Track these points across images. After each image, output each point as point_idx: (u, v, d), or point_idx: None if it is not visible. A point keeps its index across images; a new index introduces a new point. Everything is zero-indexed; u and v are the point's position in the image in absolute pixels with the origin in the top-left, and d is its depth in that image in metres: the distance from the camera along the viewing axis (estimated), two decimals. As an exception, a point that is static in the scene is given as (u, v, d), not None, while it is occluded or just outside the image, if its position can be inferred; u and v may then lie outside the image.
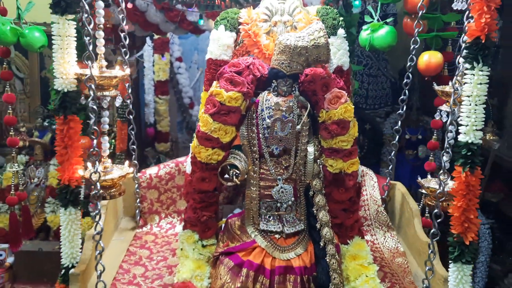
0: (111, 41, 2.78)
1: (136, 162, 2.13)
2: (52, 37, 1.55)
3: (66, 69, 1.57)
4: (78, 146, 1.66)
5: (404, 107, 2.10)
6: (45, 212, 3.34)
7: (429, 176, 1.99)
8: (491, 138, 3.19)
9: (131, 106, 2.05)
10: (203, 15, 2.31)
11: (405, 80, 2.06)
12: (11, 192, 2.35)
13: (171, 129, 4.21)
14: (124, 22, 1.89)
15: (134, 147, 2.11)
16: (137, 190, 2.20)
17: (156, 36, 3.84)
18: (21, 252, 3.02)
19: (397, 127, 2.15)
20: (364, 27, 1.98)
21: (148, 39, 3.83)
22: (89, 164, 1.65)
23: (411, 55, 1.97)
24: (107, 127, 1.69)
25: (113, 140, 3.25)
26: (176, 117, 4.30)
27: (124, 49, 1.93)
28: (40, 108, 3.71)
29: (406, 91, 2.08)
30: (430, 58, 1.90)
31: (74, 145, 1.66)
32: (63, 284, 1.73)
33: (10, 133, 2.26)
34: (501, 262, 3.09)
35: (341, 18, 1.82)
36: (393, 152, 2.22)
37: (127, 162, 1.78)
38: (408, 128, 3.52)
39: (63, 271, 1.73)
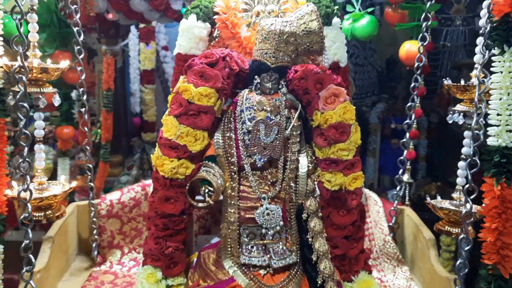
0: (95, 30, 2.76)
1: (92, 184, 1.81)
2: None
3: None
4: (3, 160, 1.32)
5: (413, 116, 1.91)
6: (31, 202, 3.20)
7: (439, 198, 1.77)
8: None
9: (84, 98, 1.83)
10: (186, 4, 2.31)
11: (412, 84, 1.90)
12: None
13: (158, 119, 4.25)
14: (78, 15, 1.63)
15: (90, 166, 1.80)
16: (94, 219, 1.89)
17: (141, 25, 3.90)
18: (7, 243, 2.92)
19: (405, 140, 1.94)
20: (346, 16, 2.00)
21: (133, 28, 3.89)
22: (14, 183, 1.33)
23: (419, 55, 1.83)
24: (42, 133, 1.41)
25: (98, 130, 3.19)
26: (163, 106, 4.33)
27: (78, 47, 1.66)
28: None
29: (415, 97, 1.94)
30: (410, 48, 1.96)
31: (2, 158, 1.32)
32: None
33: None
34: None
35: (336, 7, 1.58)
36: (404, 175, 1.99)
37: (62, 177, 1.46)
38: (394, 117, 3.62)
39: None
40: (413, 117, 1.90)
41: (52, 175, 3.23)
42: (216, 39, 1.62)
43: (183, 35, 1.57)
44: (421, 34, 1.77)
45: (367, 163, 3.59)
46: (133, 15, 2.32)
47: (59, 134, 2.49)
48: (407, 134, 1.93)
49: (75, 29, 1.66)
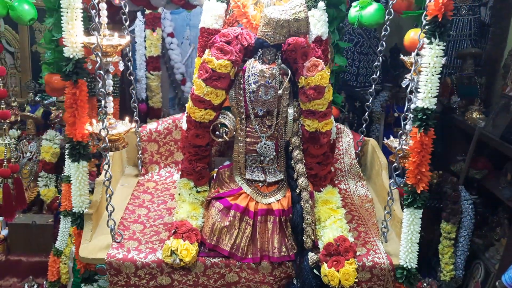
0: (100, 16, 2.58)
1: (137, 118, 2.35)
2: (61, 9, 1.70)
3: (74, 38, 1.76)
4: (86, 107, 1.86)
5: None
6: (38, 186, 3.33)
7: (391, 137, 2.15)
8: (478, 116, 3.22)
9: (131, 68, 2.17)
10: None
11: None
12: (4, 165, 2.39)
13: (163, 105, 4.12)
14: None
15: (135, 104, 2.32)
16: (139, 143, 2.35)
17: (147, 11, 3.74)
18: (15, 225, 3.12)
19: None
20: (353, 4, 2.02)
21: (139, 14, 3.74)
22: (94, 121, 1.87)
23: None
24: (111, 88, 1.88)
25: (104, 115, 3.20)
26: (168, 93, 4.18)
27: (125, 16, 2.08)
28: (32, 83, 3.63)
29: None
30: (415, 36, 1.88)
31: (84, 106, 1.87)
32: (77, 228, 1.94)
33: (1, 106, 2.28)
34: (483, 236, 3.14)
35: None
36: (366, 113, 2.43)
37: (127, 118, 1.99)
38: (397, 105, 3.57)
39: (75, 217, 1.92)
40: (378, 73, 2.26)
41: (59, 160, 3.27)
42: (230, 14, 2.01)
43: (206, 13, 1.96)
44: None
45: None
46: (140, 1, 2.30)
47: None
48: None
49: (92, 12, 1.98)
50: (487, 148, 3.12)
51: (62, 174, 2.20)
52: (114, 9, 2.38)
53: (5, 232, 3.17)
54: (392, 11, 1.93)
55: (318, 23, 1.98)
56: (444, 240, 3.03)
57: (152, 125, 2.46)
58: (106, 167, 1.85)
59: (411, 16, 1.94)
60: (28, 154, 3.30)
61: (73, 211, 1.97)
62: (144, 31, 3.90)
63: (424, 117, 1.78)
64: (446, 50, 3.15)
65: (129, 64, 2.20)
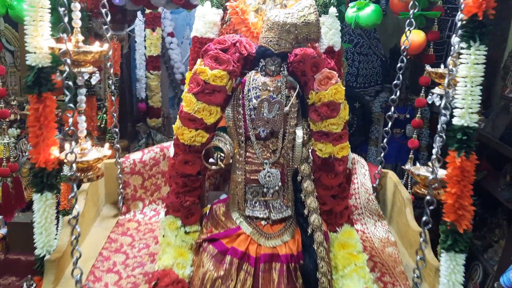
0: (101, 15, 2.70)
1: (118, 146, 2.06)
2: (24, 7, 1.47)
3: (39, 43, 1.48)
4: (53, 126, 1.58)
5: (398, 92, 2.07)
6: (37, 185, 3.32)
7: (418, 164, 1.97)
8: (477, 117, 3.21)
9: (111, 84, 1.98)
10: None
11: (398, 64, 2.01)
12: (3, 164, 2.41)
13: (163, 105, 4.19)
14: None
15: (116, 130, 2.04)
16: (120, 175, 2.13)
17: (147, 11, 3.83)
18: (14, 224, 3.07)
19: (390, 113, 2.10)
20: (351, 4, 2.02)
21: (139, 13, 3.80)
22: (66, 145, 1.58)
23: (405, 39, 1.91)
24: (83, 106, 1.62)
25: (104, 115, 3.19)
26: (168, 92, 4.28)
27: (106, 26, 1.85)
28: None
29: (400, 76, 2.04)
30: (411, 37, 1.95)
31: (50, 125, 1.58)
32: (38, 275, 1.67)
33: (1, 105, 2.28)
34: (482, 238, 3.15)
35: None
36: (385, 139, 2.16)
37: (107, 145, 1.71)
38: (397, 107, 3.45)
39: (36, 261, 1.66)
40: (398, 93, 2.05)
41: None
42: (227, 23, 1.80)
43: (199, 20, 1.74)
44: (408, 20, 1.84)
45: (369, 152, 3.56)
46: (140, 1, 2.28)
47: (66, 119, 2.58)
48: (392, 109, 2.07)
49: (103, 10, 1.83)
50: (487, 150, 3.13)
51: (61, 173, 2.19)
52: (115, 9, 2.42)
53: (4, 231, 3.14)
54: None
55: (330, 32, 1.75)
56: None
57: (136, 155, 2.19)
58: (73, 201, 1.51)
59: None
60: (27, 153, 3.28)
61: (35, 253, 1.69)
62: (144, 30, 3.98)
63: (465, 137, 1.48)
64: (445, 51, 3.19)
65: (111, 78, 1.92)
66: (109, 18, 1.83)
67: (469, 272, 3.08)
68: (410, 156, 2.14)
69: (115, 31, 2.88)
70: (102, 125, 3.12)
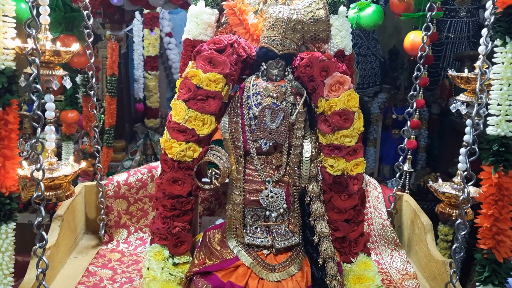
0: (100, 15, 2.75)
1: (100, 165, 1.84)
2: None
3: (2, 42, 1.27)
4: (15, 140, 1.35)
5: (414, 105, 1.94)
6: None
7: (440, 180, 1.80)
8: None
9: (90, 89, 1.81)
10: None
11: (415, 73, 1.88)
12: None
13: (161, 105, 4.21)
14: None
15: (98, 147, 1.83)
16: (102, 199, 1.92)
17: (146, 11, 3.89)
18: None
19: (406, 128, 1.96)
20: (352, 5, 2.01)
21: (137, 13, 3.82)
22: (24, 163, 1.36)
23: (422, 44, 1.79)
24: (52, 115, 1.42)
25: (102, 115, 3.16)
26: (166, 93, 4.34)
27: (88, 30, 1.67)
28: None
29: (417, 87, 1.91)
30: (415, 38, 1.97)
31: (13, 140, 1.35)
32: None
33: None
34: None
35: None
36: (406, 161, 2.03)
37: (83, 162, 1.50)
38: (395, 107, 3.65)
39: None
40: (414, 106, 1.91)
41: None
42: (224, 25, 1.65)
43: (192, 21, 1.60)
44: (425, 24, 1.75)
45: (368, 153, 3.62)
46: (138, 1, 2.30)
47: (64, 118, 2.50)
48: (408, 123, 1.94)
49: (84, 12, 1.67)
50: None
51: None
52: (113, 9, 2.45)
53: None
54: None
55: (339, 34, 1.62)
56: (441, 242, 2.93)
57: (120, 176, 2.00)
58: (38, 228, 1.30)
59: (410, 18, 2.04)
60: (25, 153, 3.17)
61: None
62: (142, 30, 4.05)
63: (502, 149, 1.29)
64: (443, 52, 3.33)
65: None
66: (91, 21, 1.65)
67: (467, 274, 2.98)
68: (408, 156, 2.09)
69: (113, 31, 2.88)
70: (100, 125, 3.07)
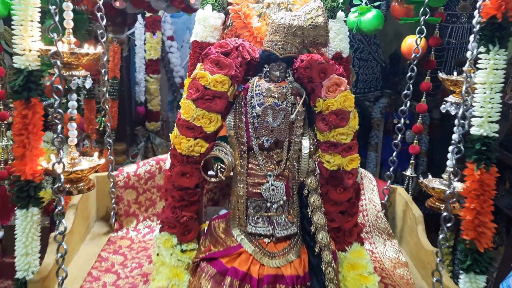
0: (102, 18, 2.69)
1: (112, 158, 1.94)
2: (12, 7, 1.37)
3: (28, 44, 1.38)
4: (41, 134, 1.46)
5: (408, 103, 1.99)
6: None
7: (430, 176, 1.87)
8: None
9: (105, 86, 1.86)
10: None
11: (408, 73, 1.95)
12: (1, 166, 2.41)
13: (162, 108, 4.19)
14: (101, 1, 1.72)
15: (110, 141, 1.92)
16: (113, 189, 2.00)
17: (148, 14, 3.83)
18: (11, 227, 2.94)
19: (399, 124, 2.01)
20: (352, 9, 1.98)
21: (139, 17, 3.79)
22: (52, 156, 1.46)
23: (416, 46, 1.84)
24: (75, 112, 1.50)
25: (103, 118, 3.11)
26: (167, 96, 4.27)
27: (101, 31, 1.75)
28: None
29: (411, 86, 1.99)
30: (412, 42, 1.93)
31: (38, 133, 1.47)
32: None
33: None
34: None
35: (341, 0, 1.66)
36: (394, 152, 2.07)
37: (96, 154, 1.58)
38: (397, 112, 3.47)
39: (17, 286, 1.52)
40: (408, 104, 1.98)
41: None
42: (229, 28, 1.71)
43: (199, 24, 1.64)
44: (418, 27, 1.80)
45: (369, 158, 3.54)
46: (140, 4, 2.29)
47: (65, 121, 2.54)
48: (402, 120, 2.00)
49: (98, 13, 1.75)
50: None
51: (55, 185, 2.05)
52: (115, 12, 2.41)
53: (0, 234, 3.08)
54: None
55: (337, 37, 1.66)
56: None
57: (130, 168, 2.07)
58: (59, 216, 1.39)
59: (410, 23, 1.99)
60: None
61: (16, 277, 1.54)
62: (144, 34, 3.98)
63: (484, 148, 1.38)
64: (445, 57, 3.24)
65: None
66: (104, 22, 1.73)
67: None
68: (411, 161, 2.10)
69: (115, 34, 2.87)
70: (101, 128, 3.07)
